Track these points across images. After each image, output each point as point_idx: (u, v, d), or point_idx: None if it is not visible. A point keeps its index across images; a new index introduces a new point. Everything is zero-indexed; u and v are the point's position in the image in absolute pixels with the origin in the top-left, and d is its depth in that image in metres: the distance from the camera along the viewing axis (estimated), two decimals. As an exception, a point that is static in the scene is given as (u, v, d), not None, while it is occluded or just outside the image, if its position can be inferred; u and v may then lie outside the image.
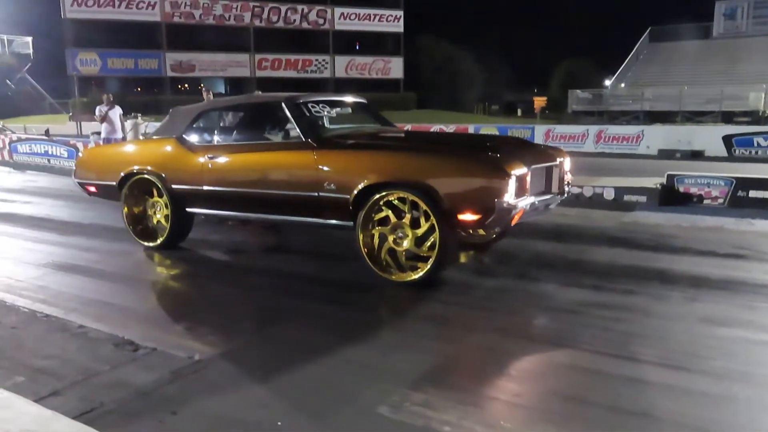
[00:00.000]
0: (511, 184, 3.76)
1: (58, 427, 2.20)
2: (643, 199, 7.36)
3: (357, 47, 43.48)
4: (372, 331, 3.41)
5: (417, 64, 45.74)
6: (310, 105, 4.84)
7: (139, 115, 13.47)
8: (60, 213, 7.48)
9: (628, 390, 2.65)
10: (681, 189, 7.28)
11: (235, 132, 5.35)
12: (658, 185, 7.39)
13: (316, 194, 4.32)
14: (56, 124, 25.52)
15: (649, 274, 4.38)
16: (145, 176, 5.25)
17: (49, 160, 13.46)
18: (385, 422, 2.40)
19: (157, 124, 15.18)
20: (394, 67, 43.99)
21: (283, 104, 4.70)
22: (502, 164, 3.84)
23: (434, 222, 3.89)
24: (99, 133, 11.90)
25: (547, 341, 3.26)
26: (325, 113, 5.03)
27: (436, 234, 3.91)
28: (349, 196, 4.16)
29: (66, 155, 13.04)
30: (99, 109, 11.32)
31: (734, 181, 7.02)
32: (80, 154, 6.46)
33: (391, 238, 4.13)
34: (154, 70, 38.35)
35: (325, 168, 4.29)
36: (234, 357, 3.06)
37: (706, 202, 7.13)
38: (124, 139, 11.44)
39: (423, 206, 3.91)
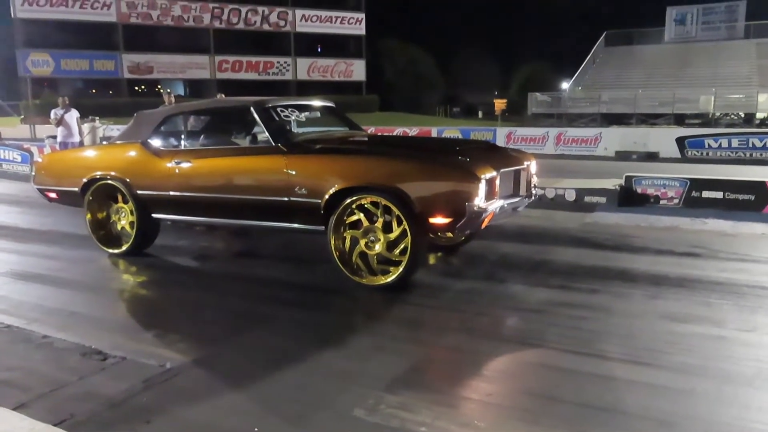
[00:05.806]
0: (482, 188, 3.83)
1: None
2: (602, 200, 7.58)
3: (319, 49, 43.37)
4: (345, 335, 3.43)
5: (379, 67, 45.97)
6: (279, 109, 4.83)
7: (97, 118, 13.15)
8: (16, 220, 7.25)
9: (594, 386, 2.74)
10: (638, 190, 7.53)
11: (202, 136, 5.29)
12: (617, 186, 7.62)
13: (287, 199, 4.32)
14: (7, 127, 24.59)
15: (612, 274, 4.52)
16: (109, 182, 5.15)
17: (1, 165, 13.01)
18: (361, 425, 2.42)
19: (115, 128, 14.93)
20: (357, 70, 44.05)
21: (252, 109, 4.68)
22: (472, 168, 3.91)
23: (406, 226, 3.94)
24: (55, 137, 11.53)
25: (516, 341, 3.34)
26: (294, 117, 5.03)
27: (408, 239, 3.96)
28: (320, 201, 4.17)
29: (20, 159, 12.62)
30: (54, 112, 10.98)
31: (688, 182, 7.29)
32: (39, 159, 6.27)
33: (362, 242, 4.16)
34: (110, 71, 37.47)
35: (296, 172, 4.28)
36: (206, 364, 3.04)
37: (662, 202, 7.39)
38: (81, 143, 11.13)
39: (395, 210, 3.95)
